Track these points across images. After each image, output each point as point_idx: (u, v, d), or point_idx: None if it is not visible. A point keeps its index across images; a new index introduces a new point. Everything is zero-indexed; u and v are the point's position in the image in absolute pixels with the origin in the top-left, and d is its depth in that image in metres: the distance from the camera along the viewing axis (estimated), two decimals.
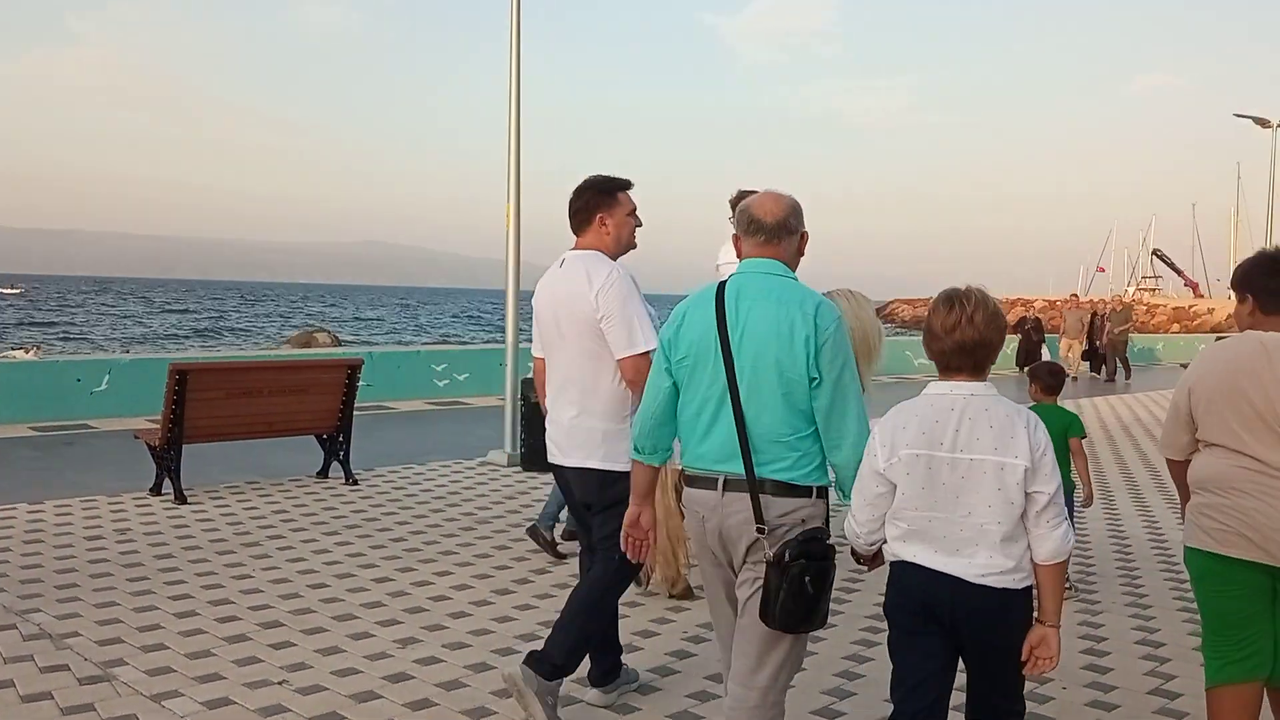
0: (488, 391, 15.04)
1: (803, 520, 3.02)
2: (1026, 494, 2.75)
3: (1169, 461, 3.50)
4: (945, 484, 2.78)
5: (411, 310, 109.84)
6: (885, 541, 2.93)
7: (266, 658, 4.67)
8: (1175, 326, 64.03)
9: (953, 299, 2.86)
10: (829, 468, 3.10)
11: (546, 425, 4.24)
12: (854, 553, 3.10)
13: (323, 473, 8.90)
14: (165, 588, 5.66)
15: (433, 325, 77.16)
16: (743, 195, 4.66)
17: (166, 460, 7.86)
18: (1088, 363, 23.93)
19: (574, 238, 4.17)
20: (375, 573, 6.07)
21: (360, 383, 9.35)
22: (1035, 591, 2.81)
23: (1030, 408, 4.06)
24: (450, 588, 5.81)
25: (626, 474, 3.55)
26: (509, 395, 10.00)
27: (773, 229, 3.18)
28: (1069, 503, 5.54)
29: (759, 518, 3.00)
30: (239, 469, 8.98)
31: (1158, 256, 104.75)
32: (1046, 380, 5.94)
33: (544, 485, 8.78)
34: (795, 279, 3.20)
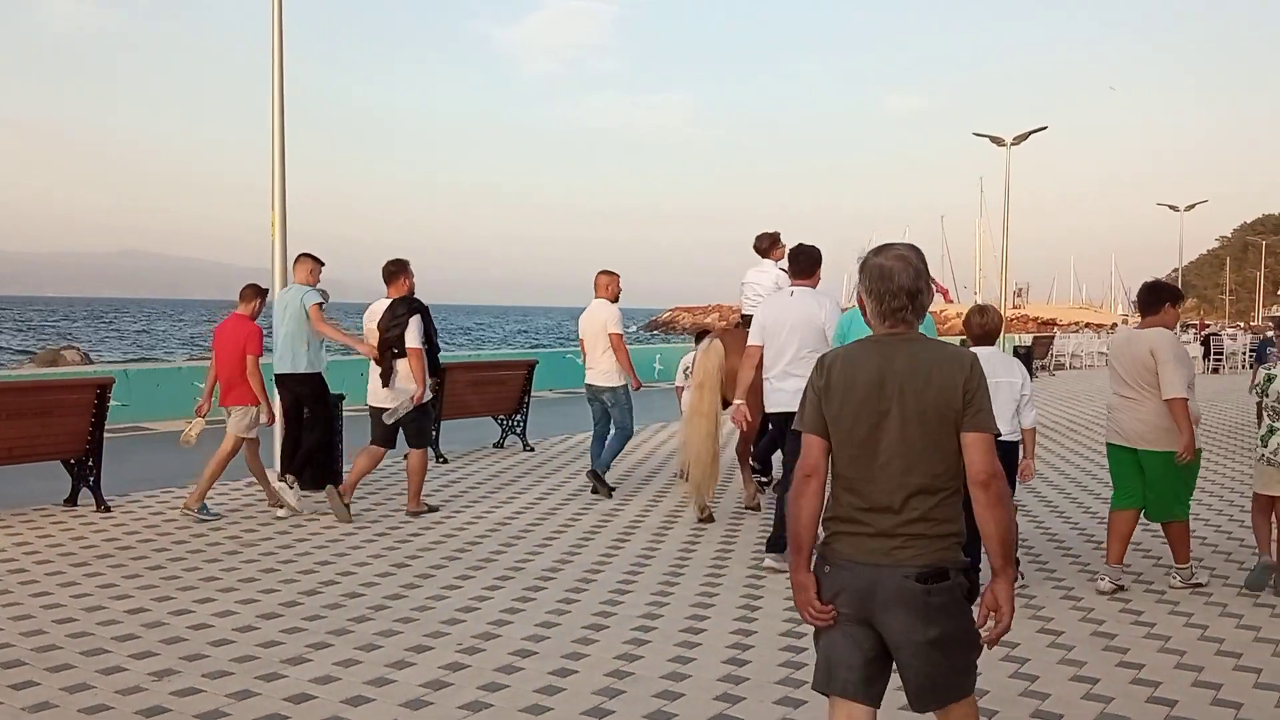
0: None
1: None
2: (1020, 395, 6.01)
3: None
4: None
5: (171, 320, 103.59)
6: None
7: (7, 699, 4.36)
8: None
9: (985, 310, 6.29)
10: None
11: (769, 388, 6.90)
12: None
13: (71, 500, 8.34)
14: None
15: (201, 339, 73.16)
16: (764, 236, 9.01)
17: None
18: None
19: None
20: (129, 604, 5.76)
21: (113, 402, 8.83)
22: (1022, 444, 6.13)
23: None
24: (212, 615, 5.58)
25: None
26: (277, 411, 9.64)
27: None
28: None
29: None
30: None
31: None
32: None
33: (317, 505, 8.54)
34: None
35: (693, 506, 8.29)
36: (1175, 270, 58.28)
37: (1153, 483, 6.14)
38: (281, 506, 8.20)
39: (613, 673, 4.77)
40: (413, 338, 7.97)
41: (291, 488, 8.16)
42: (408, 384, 8.03)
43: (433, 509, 8.39)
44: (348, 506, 8.01)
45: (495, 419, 12.44)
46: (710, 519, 8.09)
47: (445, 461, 10.97)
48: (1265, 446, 6.30)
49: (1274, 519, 6.34)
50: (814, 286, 7.11)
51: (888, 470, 2.82)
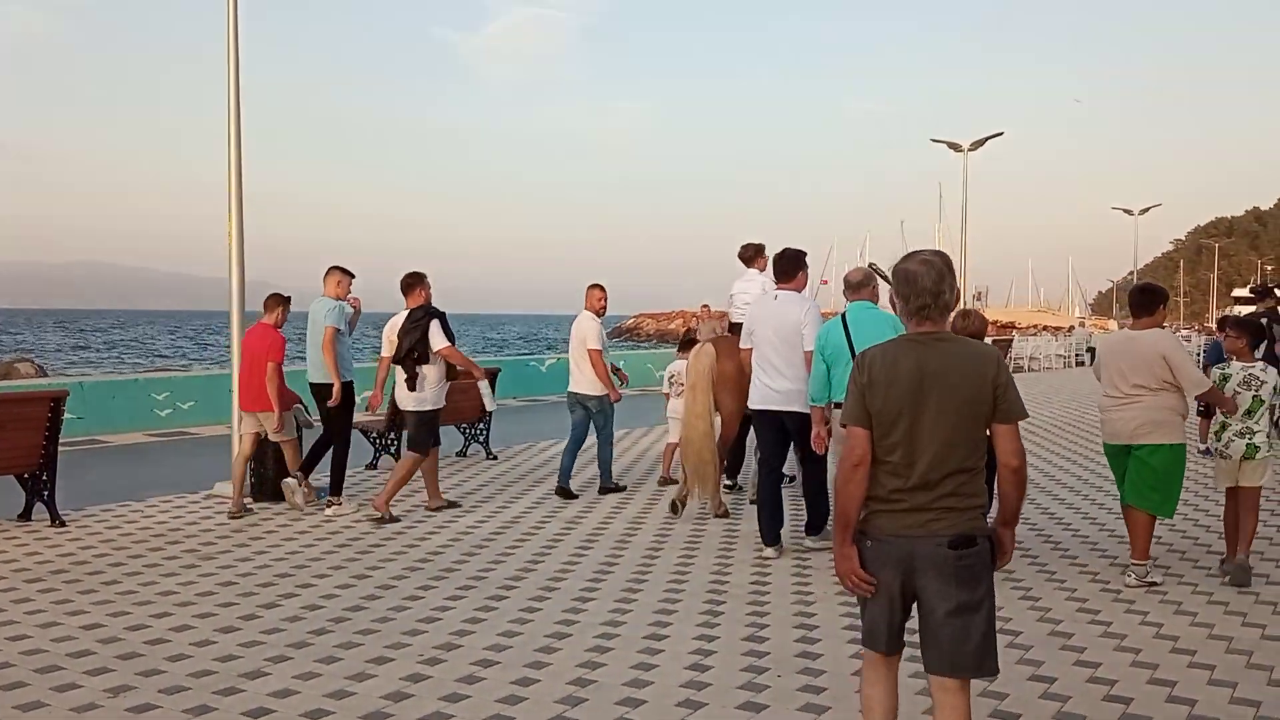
0: (217, 419, 14.27)
1: None
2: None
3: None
4: None
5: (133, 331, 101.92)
6: None
7: None
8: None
9: (967, 313, 7.01)
10: None
11: (757, 387, 7.23)
12: None
13: (25, 515, 8.20)
14: None
15: (158, 350, 72.22)
16: (749, 246, 9.48)
17: None
18: None
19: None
20: (84, 620, 5.67)
21: (68, 415, 8.71)
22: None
23: None
24: (169, 630, 5.51)
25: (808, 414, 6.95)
26: (236, 422, 9.55)
27: (855, 285, 6.98)
28: None
29: None
30: None
31: (873, 269, 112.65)
32: None
33: (276, 516, 8.47)
34: (877, 307, 6.70)
35: (674, 499, 8.52)
36: (1131, 273, 59.10)
37: (1142, 474, 6.33)
38: (241, 515, 8.40)
39: (575, 680, 4.77)
40: (438, 339, 8.45)
41: (301, 485, 8.60)
42: (430, 389, 8.52)
43: (394, 519, 8.38)
44: (449, 504, 8.93)
45: (458, 427, 12.38)
46: (677, 511, 8.40)
47: None
48: (1219, 441, 6.55)
49: (1240, 512, 6.52)
50: (799, 289, 7.36)
51: (926, 456, 3.19)
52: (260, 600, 6.08)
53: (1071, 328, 52.88)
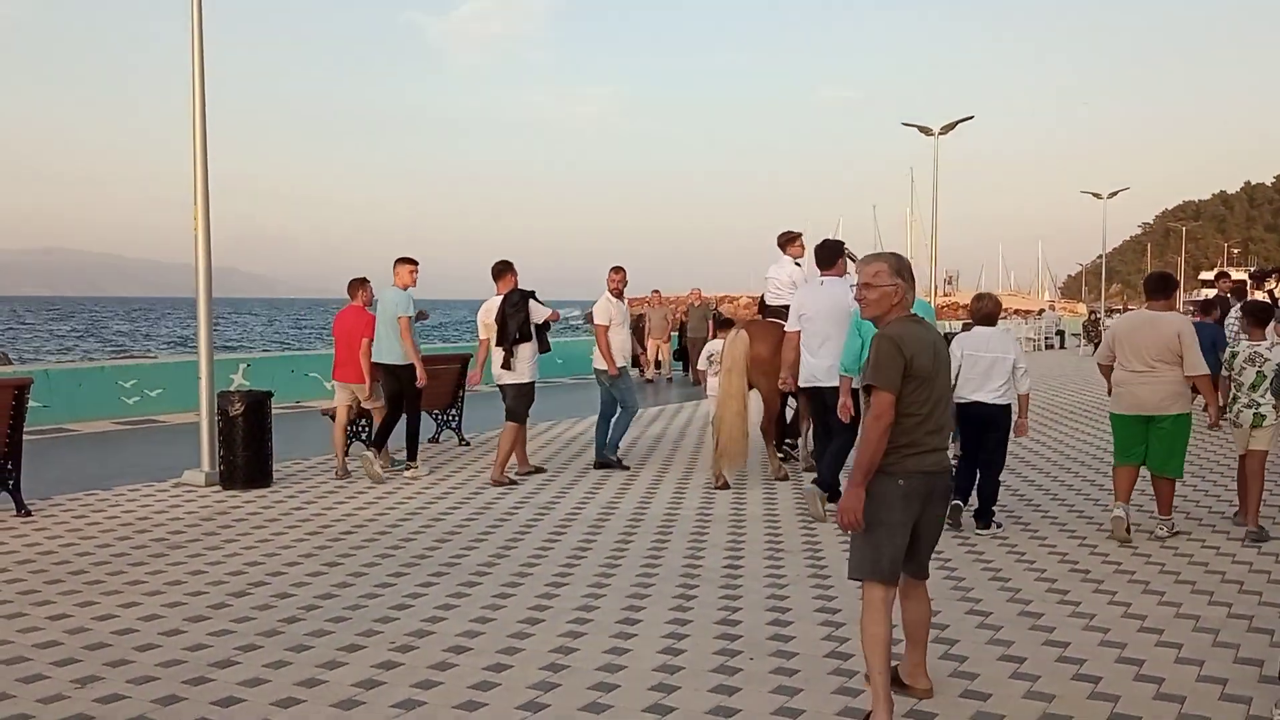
0: (185, 407, 14.14)
1: None
2: (1014, 367, 7.36)
3: (1100, 365, 7.48)
4: (981, 365, 7.30)
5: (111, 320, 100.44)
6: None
7: None
8: None
9: (982, 296, 7.74)
10: None
11: (805, 365, 8.17)
12: None
13: None
14: None
15: (128, 336, 71.40)
16: (786, 233, 10.31)
17: None
18: (681, 363, 23.07)
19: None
20: (51, 610, 5.60)
21: (34, 403, 8.59)
22: (1015, 407, 7.48)
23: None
24: (137, 619, 5.45)
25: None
26: (205, 410, 9.47)
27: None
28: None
29: None
30: None
31: (845, 255, 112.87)
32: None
33: (246, 504, 8.41)
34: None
35: (710, 474, 9.26)
36: (1100, 257, 59.46)
37: (1165, 442, 7.02)
38: (345, 476, 9.54)
39: (548, 666, 4.76)
40: (542, 311, 9.47)
41: (378, 457, 9.54)
42: (527, 364, 9.38)
43: (514, 482, 9.37)
44: (535, 469, 9.89)
45: (430, 414, 12.32)
46: (726, 486, 9.01)
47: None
48: (1230, 412, 7.31)
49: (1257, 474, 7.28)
50: (840, 274, 8.17)
51: (941, 407, 4.06)
52: (230, 589, 6.03)
53: (1041, 311, 53.21)
